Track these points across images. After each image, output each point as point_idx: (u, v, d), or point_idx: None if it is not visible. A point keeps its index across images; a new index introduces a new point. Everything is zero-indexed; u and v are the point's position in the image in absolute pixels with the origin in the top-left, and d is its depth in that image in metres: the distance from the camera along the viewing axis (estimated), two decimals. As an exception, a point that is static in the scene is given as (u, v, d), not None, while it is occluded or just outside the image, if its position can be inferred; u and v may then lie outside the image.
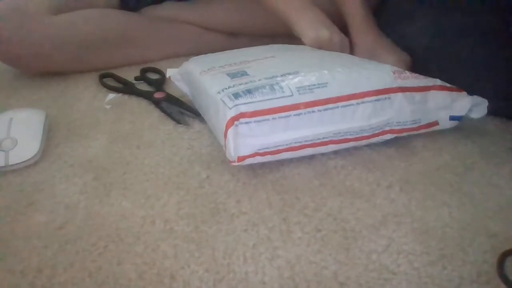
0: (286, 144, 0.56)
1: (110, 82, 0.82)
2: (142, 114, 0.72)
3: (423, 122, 0.62)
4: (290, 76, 0.58)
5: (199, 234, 0.50)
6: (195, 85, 0.67)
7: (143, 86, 0.80)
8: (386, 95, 0.58)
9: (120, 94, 0.78)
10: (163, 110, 0.72)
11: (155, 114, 0.72)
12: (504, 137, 0.67)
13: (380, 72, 0.60)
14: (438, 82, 0.62)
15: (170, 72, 0.78)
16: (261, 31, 0.89)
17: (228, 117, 0.53)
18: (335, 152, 0.62)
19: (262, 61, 0.66)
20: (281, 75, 0.58)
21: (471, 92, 0.68)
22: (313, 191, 0.56)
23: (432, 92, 0.61)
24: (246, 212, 0.53)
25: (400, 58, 0.75)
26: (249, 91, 0.55)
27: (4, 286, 0.44)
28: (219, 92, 0.57)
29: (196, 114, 0.70)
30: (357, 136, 0.59)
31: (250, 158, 0.55)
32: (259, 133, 0.54)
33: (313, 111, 0.55)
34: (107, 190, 0.56)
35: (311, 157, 0.61)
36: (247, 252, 0.48)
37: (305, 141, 0.56)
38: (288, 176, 0.58)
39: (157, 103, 0.74)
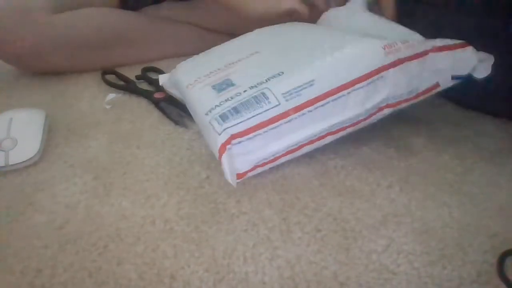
0: (283, 150, 0.56)
1: (112, 79, 0.82)
2: (142, 114, 0.72)
3: (421, 89, 0.59)
4: (275, 80, 0.55)
5: (199, 234, 0.50)
6: (184, 97, 0.65)
7: (144, 86, 0.80)
8: (378, 75, 0.55)
9: (120, 94, 0.78)
10: (162, 111, 0.72)
11: (155, 114, 0.72)
12: (504, 137, 0.67)
13: (369, 51, 0.56)
14: (437, 43, 0.58)
15: (162, 79, 0.76)
16: None
17: (219, 144, 0.52)
18: (335, 152, 0.62)
19: (247, 61, 0.64)
20: (266, 80, 0.56)
21: (473, 92, 0.68)
22: (313, 191, 0.56)
23: (430, 55, 0.57)
24: (246, 212, 0.53)
25: None
26: (236, 110, 0.54)
27: (4, 286, 0.44)
28: (207, 114, 0.55)
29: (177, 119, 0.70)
30: (354, 122, 0.58)
31: (251, 172, 0.56)
32: (253, 148, 0.54)
33: (304, 114, 0.54)
34: (107, 190, 0.56)
35: (311, 157, 0.61)
36: (247, 252, 0.48)
37: (301, 142, 0.56)
38: (288, 176, 0.58)
39: (156, 103, 0.74)
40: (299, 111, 0.54)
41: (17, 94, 0.80)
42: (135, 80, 0.81)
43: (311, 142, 0.57)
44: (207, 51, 0.72)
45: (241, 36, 0.72)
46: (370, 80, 0.55)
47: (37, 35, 0.79)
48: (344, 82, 0.54)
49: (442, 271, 0.46)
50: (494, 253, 0.47)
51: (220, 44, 0.78)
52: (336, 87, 0.54)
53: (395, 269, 0.46)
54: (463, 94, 0.75)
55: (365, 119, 0.58)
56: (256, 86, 0.56)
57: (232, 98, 0.55)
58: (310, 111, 0.54)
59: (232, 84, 0.58)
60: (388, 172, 0.59)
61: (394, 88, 0.57)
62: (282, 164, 0.59)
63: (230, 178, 0.53)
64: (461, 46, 0.58)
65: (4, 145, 0.60)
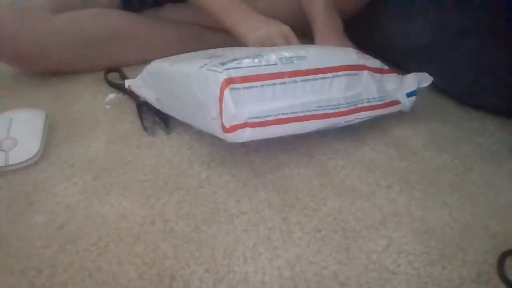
0: (274, 115, 0.55)
1: (115, 78, 0.82)
2: (142, 114, 0.72)
3: (387, 100, 0.66)
4: (268, 52, 0.59)
5: (199, 234, 0.50)
6: (166, 80, 0.64)
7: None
8: (354, 71, 0.62)
9: (120, 94, 0.78)
10: (139, 113, 0.70)
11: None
12: (504, 137, 0.67)
13: (346, 51, 0.64)
14: (385, 67, 0.68)
15: (128, 82, 0.74)
16: None
17: (222, 80, 0.53)
18: (335, 152, 0.62)
19: (233, 50, 0.65)
20: (261, 52, 0.59)
21: (473, 90, 0.70)
22: (313, 191, 0.56)
23: (386, 75, 0.66)
24: (246, 212, 0.53)
25: None
26: (235, 59, 0.55)
27: (4, 286, 0.44)
28: (202, 67, 0.56)
29: (167, 126, 0.67)
30: (336, 111, 0.60)
31: (240, 130, 0.54)
32: (248, 99, 0.54)
33: (296, 81, 0.57)
34: (107, 190, 0.56)
35: (311, 157, 0.61)
36: (247, 252, 0.48)
37: (291, 112, 0.56)
38: (288, 176, 0.58)
39: (139, 105, 0.71)
40: (293, 76, 0.57)
41: (17, 94, 0.80)
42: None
43: (299, 119, 0.57)
44: (184, 54, 0.73)
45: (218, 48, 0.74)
46: (350, 71, 0.61)
47: (39, 35, 0.79)
48: (330, 66, 0.60)
49: (442, 271, 0.46)
50: (494, 253, 0.47)
51: (221, 43, 0.78)
52: (324, 68, 0.59)
53: (395, 269, 0.46)
54: (464, 93, 0.75)
55: (345, 114, 0.61)
56: (252, 53, 0.58)
57: (228, 59, 0.57)
58: (302, 81, 0.57)
59: (223, 56, 0.59)
60: (388, 172, 0.59)
61: (367, 89, 0.63)
62: (282, 164, 0.59)
63: (234, 111, 0.52)
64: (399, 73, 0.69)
65: (4, 145, 0.60)
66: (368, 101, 0.63)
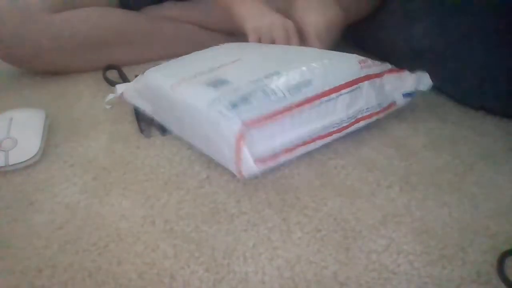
0: (282, 146, 0.56)
1: (115, 78, 0.82)
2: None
3: (384, 105, 0.65)
4: (275, 77, 0.57)
5: (199, 234, 0.50)
6: (164, 101, 0.62)
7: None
8: (357, 85, 0.60)
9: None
10: (136, 115, 0.69)
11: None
12: (504, 137, 0.67)
13: (348, 64, 0.62)
14: (388, 66, 0.66)
15: (121, 88, 0.69)
16: None
17: (237, 131, 0.51)
18: (335, 152, 0.62)
19: (232, 65, 0.63)
20: (265, 77, 0.57)
21: (475, 92, 0.70)
22: (313, 191, 0.56)
23: (386, 76, 0.64)
24: (246, 212, 0.53)
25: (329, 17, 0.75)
26: (244, 100, 0.53)
27: (4, 286, 0.44)
28: (211, 104, 0.54)
29: (163, 130, 0.66)
30: (339, 127, 0.60)
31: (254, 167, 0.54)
32: (260, 139, 0.53)
33: (303, 111, 0.56)
34: (107, 190, 0.56)
35: (311, 157, 0.61)
36: (247, 252, 0.48)
37: (297, 140, 0.57)
38: (288, 176, 0.58)
39: (136, 107, 0.70)
40: (300, 106, 0.56)
41: (17, 94, 0.80)
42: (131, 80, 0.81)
43: (304, 143, 0.58)
44: (177, 59, 0.70)
45: (210, 48, 0.73)
46: (352, 88, 0.60)
47: (38, 34, 0.79)
48: (334, 86, 0.59)
49: (442, 271, 0.46)
50: (494, 253, 0.47)
51: (219, 43, 0.77)
52: (328, 89, 0.58)
53: (395, 269, 0.46)
54: (466, 95, 0.75)
55: (346, 128, 0.61)
56: (256, 82, 0.56)
57: (235, 91, 0.55)
58: (309, 109, 0.56)
59: (228, 82, 0.57)
60: (388, 172, 0.59)
61: (367, 99, 0.62)
62: (282, 164, 0.59)
63: (250, 166, 0.51)
64: (401, 70, 0.67)
65: (4, 145, 0.60)
66: (368, 110, 0.63)
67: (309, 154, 0.61)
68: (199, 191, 0.56)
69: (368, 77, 0.62)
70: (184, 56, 0.71)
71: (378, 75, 0.64)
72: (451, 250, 0.48)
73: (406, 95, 0.67)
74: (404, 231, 0.50)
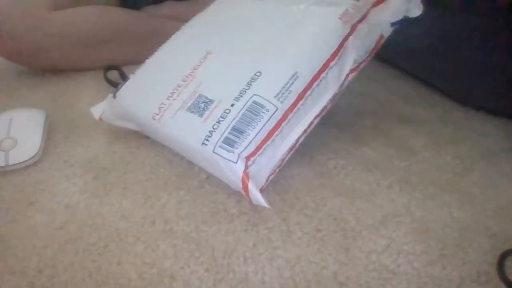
0: (288, 152, 0.54)
1: (114, 76, 0.82)
2: (142, 114, 0.72)
3: (372, 46, 0.58)
4: (257, 83, 0.52)
5: (199, 234, 0.50)
6: (150, 129, 0.58)
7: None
8: (343, 48, 0.54)
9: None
10: None
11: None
12: (504, 137, 0.67)
13: (329, 26, 0.55)
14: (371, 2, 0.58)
15: (97, 111, 0.64)
16: None
17: (241, 173, 0.49)
18: (335, 152, 0.62)
19: (205, 67, 0.57)
20: (247, 85, 0.52)
21: (474, 93, 0.69)
22: (313, 191, 0.56)
23: (371, 12, 0.57)
24: (246, 212, 0.53)
25: None
26: (237, 130, 0.50)
27: (4, 286, 0.44)
28: (204, 144, 0.51)
29: None
30: (333, 97, 0.56)
31: (265, 185, 0.54)
32: (265, 161, 0.52)
33: (298, 109, 0.53)
34: (107, 190, 0.56)
35: (311, 157, 0.61)
36: (247, 252, 0.48)
37: (298, 135, 0.54)
38: (288, 176, 0.58)
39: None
40: (294, 108, 0.52)
41: (17, 94, 0.80)
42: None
43: (305, 132, 0.55)
44: (141, 67, 0.64)
45: (173, 37, 0.65)
46: (339, 55, 0.54)
47: (38, 31, 0.78)
48: (321, 65, 0.53)
49: (442, 271, 0.46)
50: (494, 253, 0.47)
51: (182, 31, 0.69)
52: (316, 72, 0.53)
53: (395, 269, 0.46)
54: (465, 95, 0.75)
55: (339, 92, 0.57)
56: (241, 96, 0.52)
57: (223, 118, 0.51)
58: (302, 104, 0.53)
59: (210, 101, 0.53)
60: (388, 172, 0.59)
61: (356, 53, 0.56)
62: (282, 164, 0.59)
63: (263, 201, 0.50)
64: None
65: (4, 145, 0.60)
66: (356, 62, 0.56)
67: (309, 154, 0.61)
68: (199, 191, 0.56)
69: (352, 29, 0.55)
70: (150, 58, 0.64)
71: (362, 18, 0.56)
72: (451, 250, 0.48)
73: (394, 23, 0.59)
74: (404, 231, 0.50)
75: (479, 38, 0.72)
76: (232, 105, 0.52)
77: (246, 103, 0.51)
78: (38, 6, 0.79)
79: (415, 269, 0.46)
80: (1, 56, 0.81)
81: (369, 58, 0.59)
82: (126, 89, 0.61)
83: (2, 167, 0.59)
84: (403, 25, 0.60)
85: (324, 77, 0.54)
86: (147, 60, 0.64)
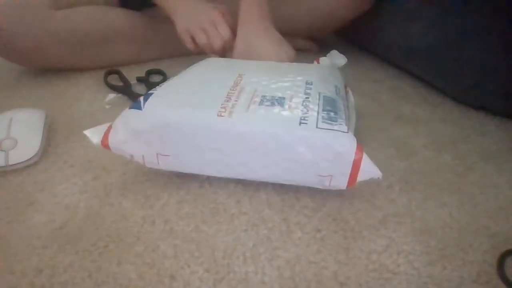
0: None
1: (115, 80, 0.82)
2: (142, 114, 0.72)
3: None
4: (315, 81, 0.57)
5: (199, 234, 0.50)
6: (198, 138, 0.51)
7: (141, 88, 0.80)
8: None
9: (120, 94, 0.78)
10: None
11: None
12: (504, 137, 0.67)
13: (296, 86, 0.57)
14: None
15: (95, 136, 0.54)
16: None
17: (354, 142, 0.49)
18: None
19: (245, 82, 0.57)
20: (307, 82, 0.57)
21: (474, 92, 0.70)
22: (313, 191, 0.56)
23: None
24: (246, 212, 0.53)
25: (281, 50, 0.73)
26: (330, 110, 0.51)
27: (4, 286, 0.44)
28: (303, 122, 0.49)
29: None
30: None
31: None
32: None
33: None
34: (107, 190, 0.56)
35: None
36: (247, 252, 0.48)
37: None
38: (288, 176, 0.58)
39: None
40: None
41: (17, 94, 0.80)
42: (132, 82, 0.81)
43: None
44: (162, 86, 0.57)
45: (189, 69, 0.63)
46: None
47: (38, 30, 0.79)
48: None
49: (442, 271, 0.46)
50: (494, 253, 0.47)
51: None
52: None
53: (395, 269, 0.46)
54: (465, 95, 0.75)
55: None
56: (308, 91, 0.55)
57: (308, 103, 0.52)
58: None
59: (281, 98, 0.53)
60: (388, 172, 0.59)
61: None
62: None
63: (376, 169, 0.50)
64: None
65: (4, 145, 0.60)
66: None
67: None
68: (199, 191, 0.56)
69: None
70: (169, 81, 0.59)
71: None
72: (451, 250, 0.48)
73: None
74: (404, 231, 0.50)
75: (479, 38, 0.72)
76: (307, 97, 0.54)
77: (319, 95, 0.54)
78: (38, 6, 0.79)
79: (415, 269, 0.46)
80: (1, 56, 0.81)
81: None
82: (156, 99, 0.54)
83: (2, 167, 0.59)
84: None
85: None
86: (170, 78, 0.61)
